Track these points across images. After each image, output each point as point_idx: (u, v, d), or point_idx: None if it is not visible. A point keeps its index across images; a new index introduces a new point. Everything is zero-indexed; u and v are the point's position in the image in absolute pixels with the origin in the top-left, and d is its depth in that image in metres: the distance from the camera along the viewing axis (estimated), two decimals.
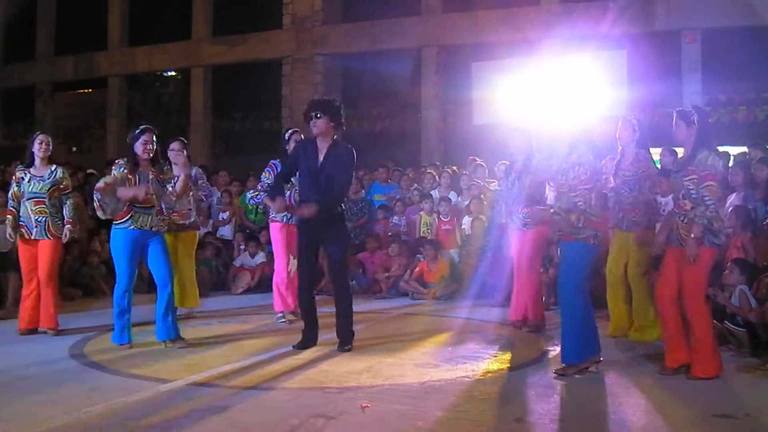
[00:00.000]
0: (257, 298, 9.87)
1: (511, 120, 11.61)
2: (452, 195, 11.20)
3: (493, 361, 6.29)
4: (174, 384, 5.47)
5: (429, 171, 12.24)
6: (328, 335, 6.73)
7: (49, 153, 7.48)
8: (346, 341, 6.60)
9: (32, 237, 7.34)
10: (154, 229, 6.73)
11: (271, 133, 18.42)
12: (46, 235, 7.34)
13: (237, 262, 11.03)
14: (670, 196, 6.60)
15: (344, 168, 6.57)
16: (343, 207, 6.77)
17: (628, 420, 4.67)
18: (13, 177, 7.50)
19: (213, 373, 5.78)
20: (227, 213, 11.66)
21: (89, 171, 12.78)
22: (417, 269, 10.13)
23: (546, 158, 6.83)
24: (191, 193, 7.94)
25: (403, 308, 9.37)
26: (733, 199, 8.01)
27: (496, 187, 9.98)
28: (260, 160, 15.89)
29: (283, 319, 7.97)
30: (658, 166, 8.38)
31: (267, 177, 7.81)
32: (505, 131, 8.29)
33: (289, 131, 8.06)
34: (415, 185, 11.84)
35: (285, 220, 7.79)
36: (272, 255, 10.71)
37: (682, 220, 5.60)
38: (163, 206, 6.93)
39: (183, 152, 8.14)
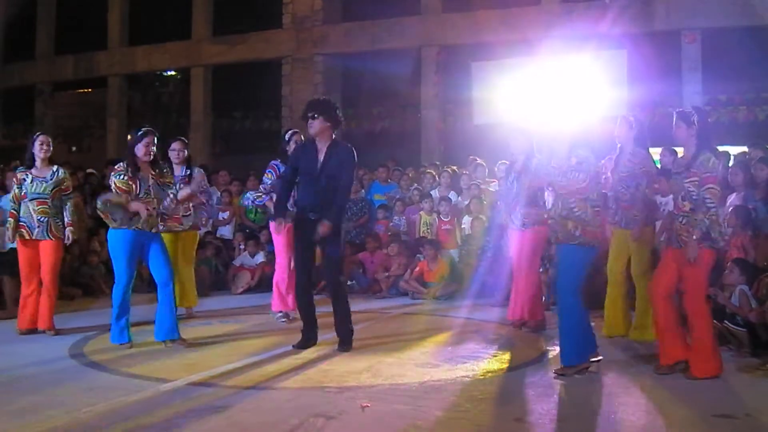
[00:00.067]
0: (257, 297, 9.87)
1: (511, 120, 11.60)
2: (452, 195, 11.21)
3: (493, 361, 6.29)
4: (174, 384, 5.46)
5: (429, 171, 12.25)
6: (327, 335, 6.73)
7: (50, 153, 7.47)
8: (345, 341, 6.60)
9: (33, 237, 7.32)
10: (152, 230, 6.73)
11: (271, 133, 18.43)
12: (48, 235, 7.34)
13: (237, 262, 11.03)
14: (670, 197, 6.60)
15: (345, 170, 6.55)
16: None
17: (628, 420, 4.67)
18: (14, 179, 7.44)
19: (213, 373, 5.78)
20: (227, 213, 11.65)
21: (89, 171, 12.78)
22: (417, 269, 10.13)
23: (546, 159, 6.83)
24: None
25: (403, 308, 9.37)
26: (733, 199, 8.00)
27: (496, 187, 9.99)
28: (260, 160, 15.87)
29: (284, 319, 7.97)
30: (658, 165, 8.39)
31: (269, 178, 7.80)
32: (505, 131, 8.29)
33: (290, 132, 8.05)
34: (415, 185, 11.84)
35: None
36: (272, 255, 10.76)
37: (682, 222, 5.60)
38: (162, 207, 6.91)
39: (184, 151, 8.17)
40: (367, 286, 10.61)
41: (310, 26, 17.56)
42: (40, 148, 7.37)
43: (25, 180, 7.35)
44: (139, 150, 6.67)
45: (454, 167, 12.30)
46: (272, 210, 7.59)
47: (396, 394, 5.19)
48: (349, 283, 10.60)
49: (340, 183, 6.51)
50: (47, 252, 7.36)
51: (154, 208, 6.70)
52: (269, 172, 7.86)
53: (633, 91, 13.67)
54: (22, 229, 7.32)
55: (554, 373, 5.70)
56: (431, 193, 11.27)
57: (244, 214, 11.72)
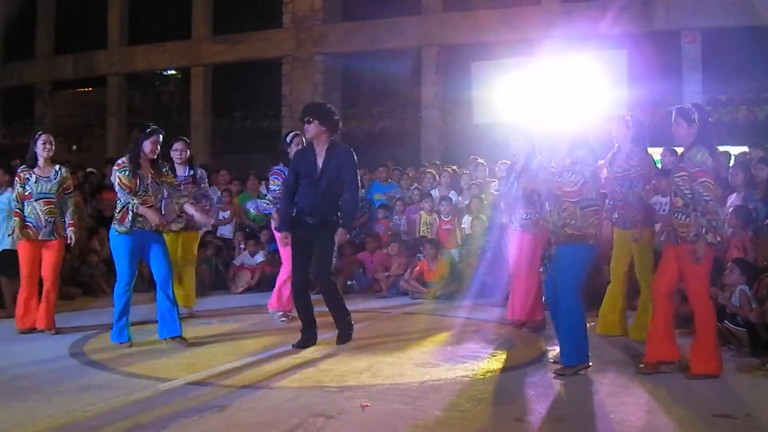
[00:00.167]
0: (257, 297, 9.86)
1: (511, 120, 11.61)
2: (452, 194, 11.21)
3: (492, 361, 6.29)
4: (173, 383, 5.47)
5: (429, 170, 12.25)
6: (327, 334, 6.72)
7: (53, 153, 7.45)
8: (343, 334, 6.61)
9: (40, 237, 7.29)
10: (153, 229, 6.73)
11: (270, 132, 18.43)
12: (54, 235, 7.34)
13: (237, 261, 11.02)
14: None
15: (349, 174, 6.54)
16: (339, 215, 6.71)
17: (628, 420, 4.67)
18: (17, 178, 7.36)
19: (212, 372, 5.78)
20: (228, 212, 11.65)
21: (89, 170, 12.77)
22: (417, 268, 10.12)
23: (547, 159, 6.83)
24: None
25: (403, 307, 9.37)
26: (733, 199, 8.01)
27: (496, 187, 9.99)
28: (260, 159, 15.92)
29: (283, 318, 7.96)
30: (659, 165, 8.39)
31: (276, 184, 7.74)
32: (505, 131, 8.29)
33: (291, 134, 8.02)
34: (415, 184, 11.84)
35: None
36: (272, 254, 10.77)
37: (678, 218, 5.59)
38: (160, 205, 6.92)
39: (186, 151, 8.18)
40: (367, 286, 10.61)
41: (310, 26, 17.56)
42: (43, 147, 7.34)
43: (29, 179, 7.30)
44: (146, 147, 6.69)
45: (454, 167, 12.30)
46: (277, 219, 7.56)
47: (396, 394, 5.19)
48: (349, 282, 10.64)
49: (348, 188, 6.53)
50: (51, 251, 7.37)
51: (152, 205, 6.70)
52: (275, 178, 7.79)
53: (633, 90, 13.66)
54: (29, 230, 7.26)
55: (554, 373, 5.70)
56: (431, 192, 11.27)
57: (244, 213, 11.72)
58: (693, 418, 4.72)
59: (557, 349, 6.01)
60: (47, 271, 7.38)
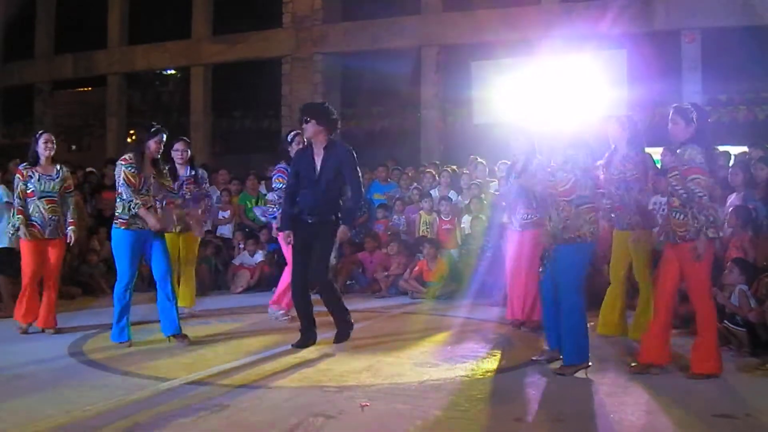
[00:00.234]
0: (256, 296, 9.87)
1: (511, 119, 11.61)
2: (452, 194, 11.20)
3: (492, 361, 6.29)
4: (173, 382, 5.47)
5: (428, 170, 12.25)
6: (327, 334, 6.72)
7: (54, 152, 7.44)
8: (340, 333, 6.61)
9: (45, 236, 7.28)
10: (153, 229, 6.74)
11: (270, 132, 18.43)
12: (58, 234, 7.34)
13: (236, 261, 11.03)
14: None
15: (349, 172, 6.54)
16: (339, 215, 6.69)
17: (628, 419, 4.67)
18: (21, 175, 7.30)
19: (212, 372, 5.78)
20: (228, 212, 11.65)
21: (89, 169, 12.77)
22: (416, 268, 10.12)
23: (546, 159, 6.83)
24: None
25: (403, 307, 9.37)
26: (733, 199, 8.01)
27: (496, 187, 9.99)
28: (260, 159, 15.90)
29: (285, 317, 7.96)
30: (659, 165, 8.38)
31: (280, 182, 7.73)
32: (505, 131, 8.29)
33: (292, 133, 8.02)
34: (415, 184, 11.84)
35: None
36: (272, 254, 10.77)
37: (676, 218, 5.59)
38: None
39: (187, 152, 8.20)
40: (366, 286, 10.61)
41: (310, 25, 17.55)
42: (44, 146, 7.33)
43: (32, 177, 7.27)
44: (151, 146, 6.73)
45: (454, 167, 12.30)
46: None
47: (395, 394, 5.19)
48: (348, 282, 10.63)
49: (351, 187, 6.55)
50: (55, 250, 7.38)
51: (151, 206, 6.71)
52: (279, 176, 7.79)
53: (633, 90, 13.66)
54: (34, 229, 7.23)
55: (554, 372, 5.70)
56: (430, 192, 11.27)
57: (243, 213, 11.72)
58: (692, 417, 4.72)
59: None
60: (49, 270, 7.39)
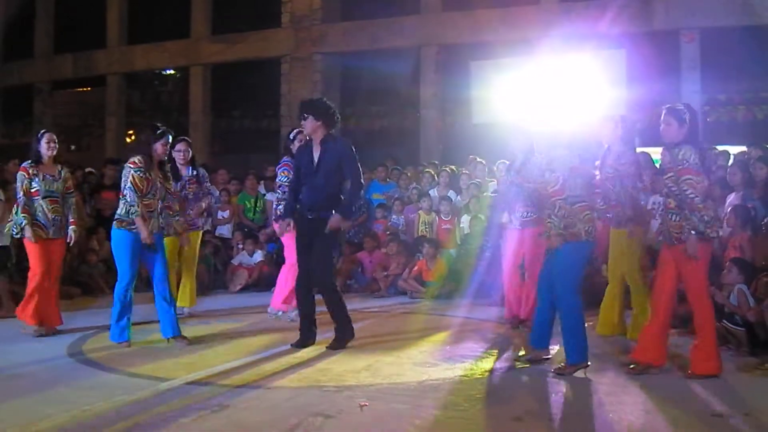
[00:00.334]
0: (256, 296, 9.88)
1: (510, 119, 11.60)
2: (451, 194, 11.21)
3: (491, 360, 6.29)
4: (172, 382, 5.47)
5: (428, 170, 12.25)
6: (327, 334, 6.72)
7: (56, 151, 7.41)
8: (338, 340, 6.60)
9: (49, 236, 7.26)
10: (154, 231, 6.73)
11: (269, 132, 18.44)
12: (60, 234, 7.34)
13: (235, 261, 11.03)
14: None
15: (348, 165, 6.56)
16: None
17: (627, 419, 4.67)
18: (26, 173, 7.22)
19: (211, 372, 5.78)
20: (227, 212, 11.66)
21: (88, 169, 12.76)
22: (416, 268, 10.12)
23: (541, 159, 6.84)
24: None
25: (402, 307, 9.37)
26: (732, 198, 8.01)
27: (494, 187, 9.99)
28: (259, 159, 15.89)
29: (287, 318, 7.95)
30: (658, 165, 8.39)
31: (285, 176, 7.71)
32: (504, 130, 8.29)
33: (294, 131, 8.02)
34: (414, 184, 11.84)
35: None
36: (271, 254, 10.78)
37: (672, 219, 5.59)
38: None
39: (189, 151, 8.21)
40: (365, 286, 10.62)
41: (309, 25, 17.55)
42: (47, 146, 7.29)
43: (36, 176, 7.23)
44: (158, 149, 6.71)
45: (453, 166, 12.31)
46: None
47: (394, 393, 5.19)
48: (347, 282, 10.64)
49: (351, 180, 6.56)
50: (58, 249, 7.38)
51: (153, 210, 6.71)
52: (284, 170, 7.77)
53: (632, 90, 13.65)
54: (38, 229, 7.19)
55: (553, 372, 5.71)
56: (429, 192, 11.27)
57: (242, 213, 11.73)
58: (691, 417, 4.72)
59: (556, 348, 6.01)
60: (54, 269, 7.38)
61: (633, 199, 6.85)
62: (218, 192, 11.63)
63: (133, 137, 21.12)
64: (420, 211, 10.98)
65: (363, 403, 4.88)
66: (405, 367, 6.00)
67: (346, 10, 17.90)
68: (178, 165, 8.09)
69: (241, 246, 11.15)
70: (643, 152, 8.04)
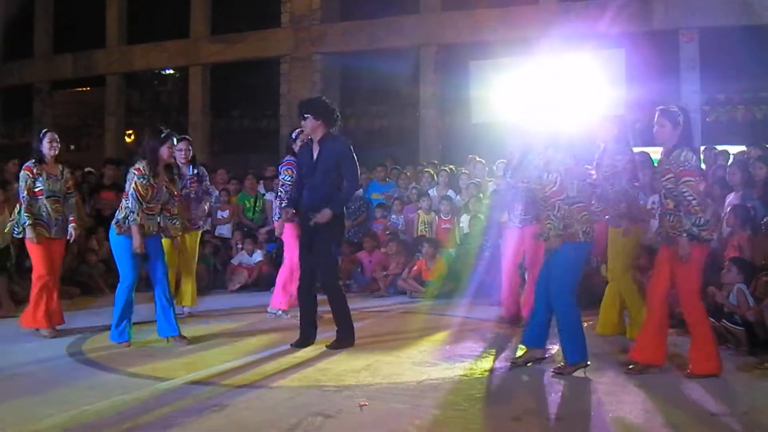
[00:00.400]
0: (255, 296, 9.88)
1: (510, 119, 11.60)
2: (450, 193, 11.21)
3: (490, 360, 6.29)
4: (172, 382, 5.47)
5: (427, 170, 12.25)
6: (327, 334, 6.73)
7: (58, 151, 7.39)
8: (339, 341, 6.60)
9: (52, 236, 7.25)
10: (153, 232, 6.73)
11: (269, 132, 18.44)
12: (62, 234, 7.33)
13: (235, 261, 11.03)
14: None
15: (345, 163, 6.55)
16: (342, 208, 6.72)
17: (627, 418, 4.67)
18: (30, 172, 7.16)
19: (211, 371, 5.79)
20: (226, 212, 11.66)
21: (87, 169, 12.76)
22: (415, 267, 10.12)
23: (537, 158, 6.84)
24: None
25: (402, 306, 9.38)
26: (731, 198, 8.02)
27: (493, 187, 9.99)
28: (258, 159, 15.87)
29: (286, 316, 7.95)
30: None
31: (289, 175, 7.70)
32: (503, 130, 8.29)
33: (296, 131, 8.02)
34: (414, 184, 11.84)
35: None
36: (270, 254, 10.77)
37: (670, 220, 5.60)
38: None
39: (190, 150, 8.22)
40: (365, 285, 10.61)
41: (309, 25, 17.55)
42: (49, 145, 7.26)
43: (40, 176, 7.19)
44: (164, 153, 6.67)
45: (452, 166, 12.31)
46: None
47: (394, 393, 5.19)
48: (347, 282, 10.63)
49: (347, 179, 6.55)
50: (59, 249, 7.38)
51: (154, 213, 6.70)
52: (288, 168, 7.74)
53: (631, 90, 13.66)
54: (42, 228, 7.17)
55: (552, 371, 5.71)
56: (429, 192, 11.27)
57: (241, 212, 11.73)
58: (691, 416, 4.73)
59: (556, 347, 6.02)
60: (56, 269, 7.38)
61: (631, 198, 6.85)
62: (217, 192, 11.65)
63: (132, 137, 21.15)
64: (419, 211, 10.98)
65: (363, 403, 4.88)
66: (404, 366, 6.01)
67: (345, 10, 17.90)
68: (180, 164, 8.10)
69: (240, 246, 11.15)
70: (642, 152, 8.04)
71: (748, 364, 5.98)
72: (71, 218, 7.39)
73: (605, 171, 6.91)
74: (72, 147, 22.50)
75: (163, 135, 6.71)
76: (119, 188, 11.12)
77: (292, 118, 15.65)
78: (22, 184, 7.19)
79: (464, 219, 10.61)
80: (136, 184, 6.57)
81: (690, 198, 5.41)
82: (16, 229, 7.26)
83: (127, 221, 6.57)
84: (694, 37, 14.48)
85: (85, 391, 5.23)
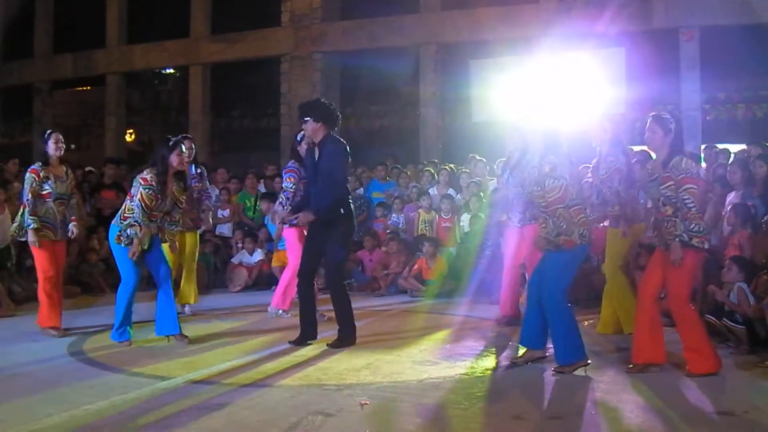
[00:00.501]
0: (255, 295, 9.89)
1: (510, 118, 11.61)
2: (451, 192, 11.21)
3: (491, 359, 6.30)
4: (173, 381, 5.47)
5: (427, 169, 12.25)
6: (327, 332, 6.73)
7: (63, 151, 7.35)
8: (340, 339, 6.59)
9: (57, 238, 7.24)
10: (153, 233, 6.73)
11: (269, 131, 18.44)
12: (65, 235, 7.34)
13: (235, 260, 11.03)
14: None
15: (333, 161, 6.51)
16: (344, 209, 6.59)
17: (627, 417, 4.67)
18: (36, 175, 7.12)
19: (211, 371, 5.79)
20: (227, 211, 11.67)
21: (88, 169, 12.77)
22: (416, 266, 10.13)
23: (535, 158, 6.84)
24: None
25: (402, 305, 9.38)
26: (732, 197, 8.02)
27: (494, 186, 9.99)
28: (259, 158, 15.87)
29: (287, 315, 7.96)
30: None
31: (291, 182, 7.66)
32: (504, 129, 8.29)
33: (301, 133, 7.98)
34: (414, 183, 11.85)
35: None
36: (271, 253, 10.77)
37: (667, 227, 5.59)
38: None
39: (192, 149, 8.21)
40: (366, 284, 10.62)
41: (309, 24, 17.53)
42: (54, 146, 7.23)
43: (48, 179, 7.16)
44: (174, 161, 6.58)
45: (452, 165, 12.31)
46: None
47: (395, 392, 5.19)
48: (348, 281, 10.63)
49: (333, 179, 6.49)
50: (62, 251, 7.40)
51: (156, 219, 6.69)
52: (290, 176, 7.70)
53: (631, 89, 13.67)
54: (48, 231, 7.16)
55: (553, 370, 5.71)
56: (429, 191, 11.27)
57: (242, 211, 11.74)
58: (692, 415, 4.72)
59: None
60: (60, 271, 7.39)
61: (624, 200, 6.85)
62: (217, 191, 11.66)
63: (133, 137, 21.16)
64: (420, 210, 10.98)
65: (363, 402, 4.88)
66: (405, 365, 6.01)
67: (345, 9, 17.89)
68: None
69: (240, 245, 11.15)
70: (642, 150, 8.04)
71: (748, 363, 5.98)
72: (72, 217, 7.39)
73: (603, 174, 6.92)
74: (72, 146, 22.52)
75: (171, 143, 6.61)
76: (120, 188, 11.18)
77: (293, 118, 15.65)
78: (26, 186, 7.15)
79: (465, 218, 10.61)
80: (141, 195, 6.48)
81: (690, 205, 5.43)
82: (19, 231, 7.21)
83: (128, 236, 6.53)
84: (694, 36, 14.46)
85: (86, 390, 5.23)
